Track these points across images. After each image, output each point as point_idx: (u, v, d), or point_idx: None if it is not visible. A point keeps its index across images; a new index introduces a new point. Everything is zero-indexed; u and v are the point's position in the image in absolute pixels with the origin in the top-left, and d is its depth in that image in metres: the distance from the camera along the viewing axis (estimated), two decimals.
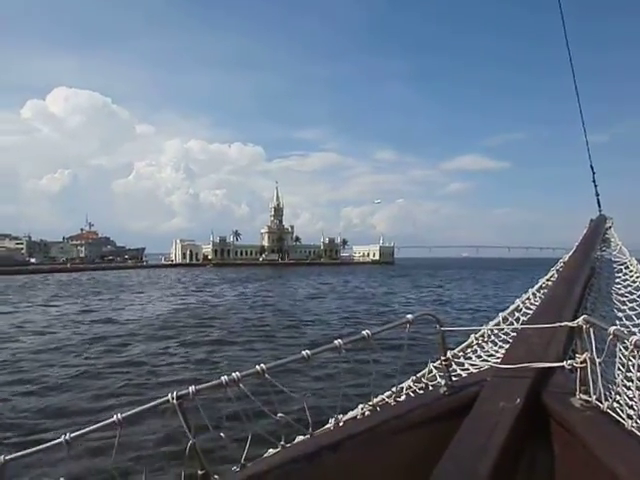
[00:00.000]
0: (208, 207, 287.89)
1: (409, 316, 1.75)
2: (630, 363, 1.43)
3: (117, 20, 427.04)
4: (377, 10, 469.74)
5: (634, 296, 3.10)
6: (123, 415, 1.40)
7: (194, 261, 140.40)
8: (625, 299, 3.10)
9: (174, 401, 1.40)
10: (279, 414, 1.57)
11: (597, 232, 5.04)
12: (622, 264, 3.96)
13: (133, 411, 1.43)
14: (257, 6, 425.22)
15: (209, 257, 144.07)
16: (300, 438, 1.68)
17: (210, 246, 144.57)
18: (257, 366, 1.50)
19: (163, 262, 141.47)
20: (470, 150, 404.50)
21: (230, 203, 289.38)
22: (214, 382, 1.46)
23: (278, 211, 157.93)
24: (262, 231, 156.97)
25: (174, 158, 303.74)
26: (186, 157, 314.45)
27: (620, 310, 2.97)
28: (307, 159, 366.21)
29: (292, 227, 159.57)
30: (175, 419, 1.40)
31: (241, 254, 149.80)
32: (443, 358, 1.83)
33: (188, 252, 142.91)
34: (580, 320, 1.58)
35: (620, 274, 3.77)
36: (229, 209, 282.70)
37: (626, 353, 1.43)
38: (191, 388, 1.43)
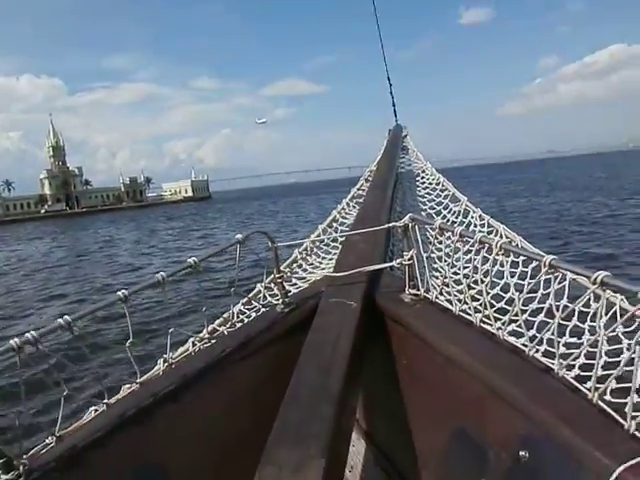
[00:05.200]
0: (3, 153, 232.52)
1: (238, 236, 1.67)
2: (454, 252, 1.50)
3: None
4: None
5: (432, 196, 3.38)
6: None
7: None
8: (425, 199, 3.41)
9: None
10: (96, 370, 1.41)
11: (396, 141, 5.34)
12: (419, 168, 4.37)
13: None
14: None
15: None
16: (127, 390, 1.48)
17: None
18: (60, 319, 1.26)
19: None
20: (290, 74, 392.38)
21: (31, 147, 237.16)
22: (2, 348, 1.18)
23: (58, 150, 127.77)
24: (40, 177, 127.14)
25: None
26: None
27: (422, 210, 3.24)
28: (117, 91, 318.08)
29: (80, 168, 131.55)
30: None
31: (15, 208, 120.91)
32: (277, 275, 1.76)
33: None
34: (406, 219, 1.63)
35: (419, 178, 4.13)
36: (30, 154, 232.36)
37: (450, 244, 1.50)
38: None
